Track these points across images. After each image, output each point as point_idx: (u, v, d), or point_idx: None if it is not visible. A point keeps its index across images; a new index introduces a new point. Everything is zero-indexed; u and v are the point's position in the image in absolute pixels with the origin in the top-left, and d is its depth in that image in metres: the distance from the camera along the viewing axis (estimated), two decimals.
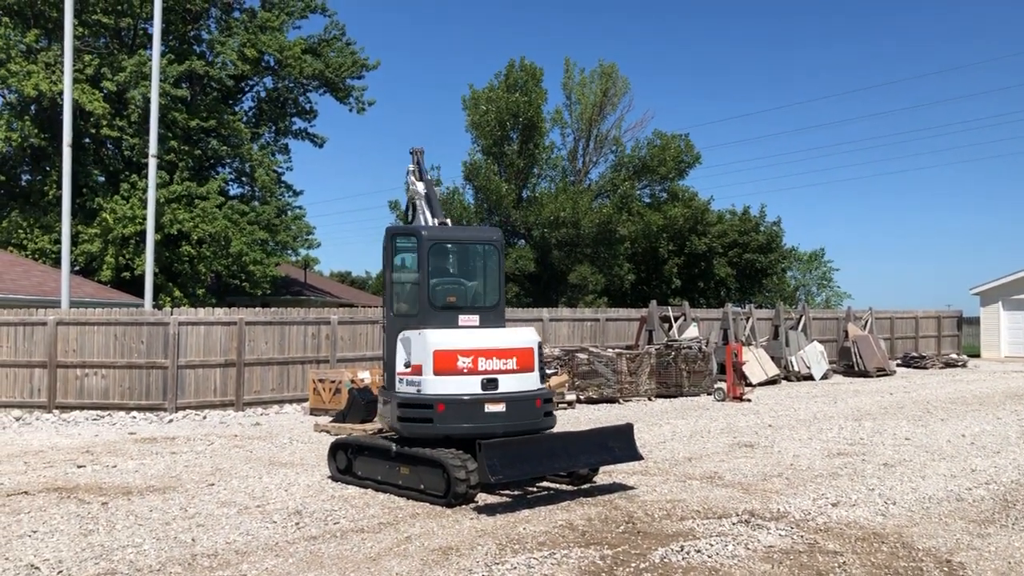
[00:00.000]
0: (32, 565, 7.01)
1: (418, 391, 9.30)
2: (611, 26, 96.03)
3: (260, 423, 16.57)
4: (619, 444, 9.96)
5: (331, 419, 15.73)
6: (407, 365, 9.48)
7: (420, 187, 10.94)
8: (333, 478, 10.50)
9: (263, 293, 31.83)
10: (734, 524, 8.18)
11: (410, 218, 11.16)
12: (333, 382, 17.34)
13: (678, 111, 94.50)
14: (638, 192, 41.52)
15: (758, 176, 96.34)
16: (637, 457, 10.04)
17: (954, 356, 34.05)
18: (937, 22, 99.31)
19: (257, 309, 19.76)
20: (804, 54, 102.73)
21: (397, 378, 9.57)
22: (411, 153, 11.27)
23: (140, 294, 22.90)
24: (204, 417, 17.41)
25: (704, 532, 7.89)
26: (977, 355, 36.91)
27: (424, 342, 9.28)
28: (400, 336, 9.68)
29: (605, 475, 10.39)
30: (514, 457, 8.94)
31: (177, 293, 28.41)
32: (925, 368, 31.01)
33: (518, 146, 38.73)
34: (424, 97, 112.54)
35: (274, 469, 11.40)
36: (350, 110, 35.98)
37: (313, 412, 17.45)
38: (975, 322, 38.64)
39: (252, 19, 31.96)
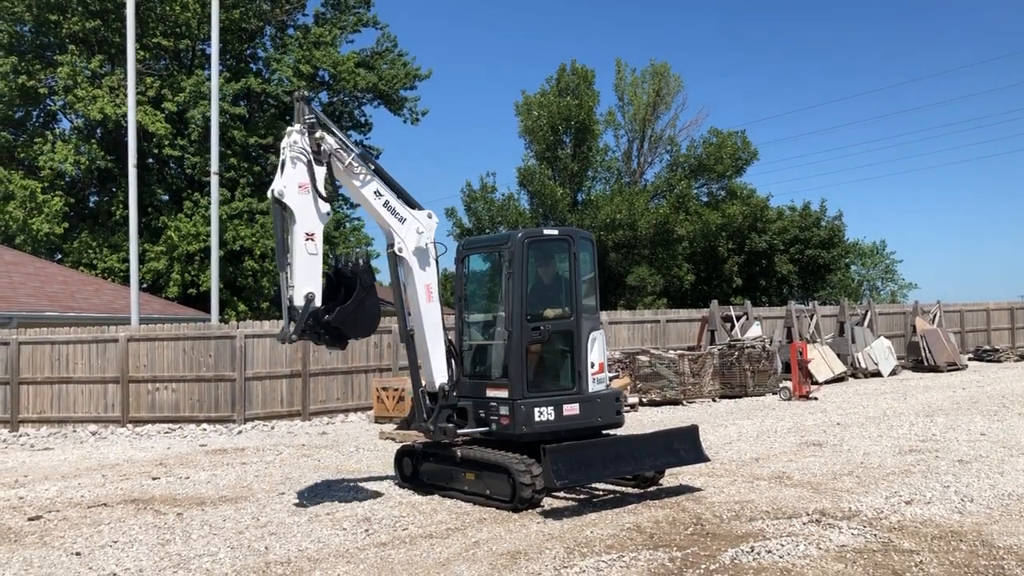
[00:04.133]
0: (114, 574, 7.22)
1: (607, 387, 9.99)
2: (662, 24, 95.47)
3: (326, 432, 16.81)
4: (684, 446, 9.88)
5: (396, 426, 15.85)
6: (593, 364, 9.77)
7: (332, 142, 9.71)
8: (399, 484, 10.60)
9: None
10: (804, 524, 8.05)
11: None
12: (396, 390, 17.50)
13: (733, 108, 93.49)
14: (695, 191, 41.14)
15: (818, 171, 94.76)
16: (703, 459, 9.95)
17: None
18: (1005, 3, 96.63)
19: None
20: (859, 44, 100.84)
21: (591, 378, 9.69)
22: (300, 101, 9.85)
23: (206, 309, 23.45)
24: (272, 428, 17.73)
25: (774, 532, 7.78)
26: None
27: (604, 342, 10.02)
28: (589, 337, 9.76)
29: (671, 477, 10.31)
30: (579, 461, 8.93)
31: (242, 307, 29.05)
32: (999, 361, 30.10)
33: (571, 150, 38.69)
34: (476, 105, 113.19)
35: (342, 476, 11.54)
36: (404, 121, 36.50)
37: (378, 420, 17.64)
38: None
39: (306, 35, 32.56)
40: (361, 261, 9.75)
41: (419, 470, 10.41)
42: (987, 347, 31.86)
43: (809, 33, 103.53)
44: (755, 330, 24.17)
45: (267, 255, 29.08)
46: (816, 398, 19.66)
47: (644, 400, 19.39)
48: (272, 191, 9.21)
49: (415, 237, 9.98)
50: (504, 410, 9.46)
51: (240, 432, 17.22)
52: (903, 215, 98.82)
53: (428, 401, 9.93)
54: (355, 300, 9.45)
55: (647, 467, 9.67)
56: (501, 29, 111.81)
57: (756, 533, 7.80)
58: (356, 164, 9.81)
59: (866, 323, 27.29)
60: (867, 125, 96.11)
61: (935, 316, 30.21)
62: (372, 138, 46.88)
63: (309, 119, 9.53)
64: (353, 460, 13.13)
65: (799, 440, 13.49)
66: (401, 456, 10.71)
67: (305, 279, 9.15)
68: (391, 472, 11.04)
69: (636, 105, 40.94)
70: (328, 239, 32.19)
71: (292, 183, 9.26)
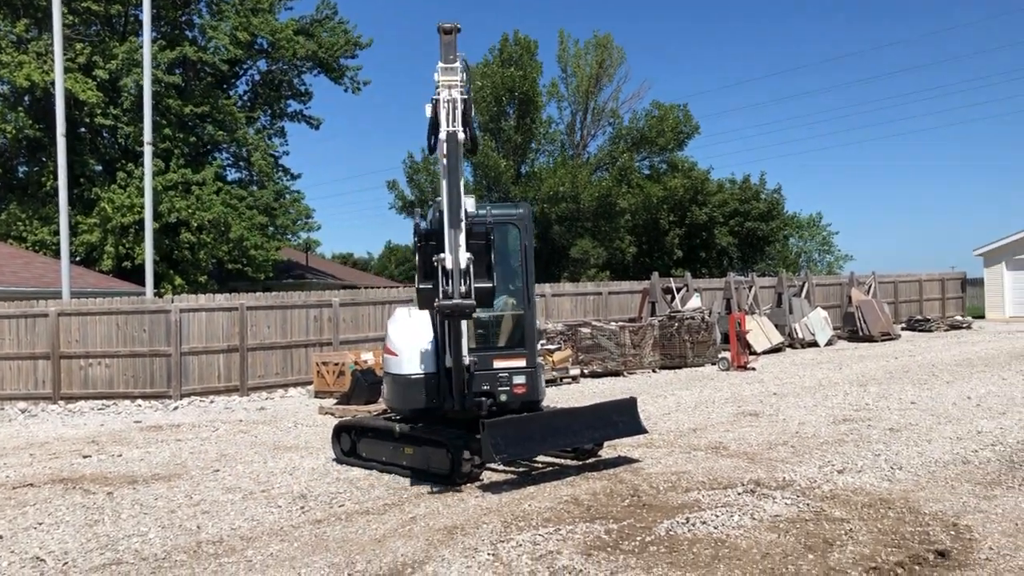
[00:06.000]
0: (37, 558, 7.01)
1: None
2: None
3: (265, 408, 16.58)
4: (623, 418, 9.94)
5: (336, 402, 15.73)
6: None
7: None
8: (338, 460, 10.49)
9: (266, 277, 31.80)
10: (740, 494, 8.15)
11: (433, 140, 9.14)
12: (336, 364, 17.32)
13: (675, 81, 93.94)
14: (637, 164, 41.31)
15: (757, 144, 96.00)
16: (641, 430, 10.02)
17: (959, 318, 33.97)
18: None
19: (258, 294, 19.73)
20: (800, 19, 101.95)
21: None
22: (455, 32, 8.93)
23: (142, 283, 22.87)
24: (210, 403, 17.43)
25: (710, 503, 7.87)
26: (981, 316, 36.81)
27: None
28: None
29: (610, 449, 10.38)
30: (517, 435, 8.91)
31: (179, 280, 28.39)
32: (930, 331, 30.93)
33: (515, 121, 38.51)
34: (418, 74, 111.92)
35: (279, 453, 11.40)
36: (345, 90, 35.87)
37: (317, 395, 17.45)
38: (979, 283, 38.49)
39: (243, 2, 31.67)
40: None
41: (358, 446, 10.30)
42: (919, 317, 32.72)
43: (750, 7, 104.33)
44: (695, 302, 24.43)
45: (204, 227, 28.44)
46: (754, 368, 19.97)
47: (586, 371, 19.49)
48: (453, 136, 8.36)
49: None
50: (520, 379, 9.36)
51: (176, 408, 16.89)
52: (839, 188, 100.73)
53: (447, 377, 9.29)
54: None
55: (586, 440, 9.71)
56: None
57: (692, 504, 7.88)
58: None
59: (803, 294, 27.76)
60: (805, 98, 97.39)
61: (870, 287, 30.87)
62: (312, 107, 46.03)
63: (461, 53, 8.86)
64: (291, 436, 12.96)
65: (736, 410, 13.68)
66: (339, 431, 10.60)
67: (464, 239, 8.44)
68: (330, 448, 10.92)
69: (579, 77, 40.86)
70: (267, 211, 31.73)
71: (459, 125, 8.51)
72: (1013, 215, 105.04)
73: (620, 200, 37.77)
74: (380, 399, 12.88)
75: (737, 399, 15.04)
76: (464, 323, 8.94)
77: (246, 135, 31.73)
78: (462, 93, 8.52)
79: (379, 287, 34.26)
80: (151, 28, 23.07)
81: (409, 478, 9.34)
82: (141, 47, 23.87)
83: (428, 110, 8.89)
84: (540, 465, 9.88)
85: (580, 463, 9.85)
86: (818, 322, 26.84)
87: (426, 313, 10.01)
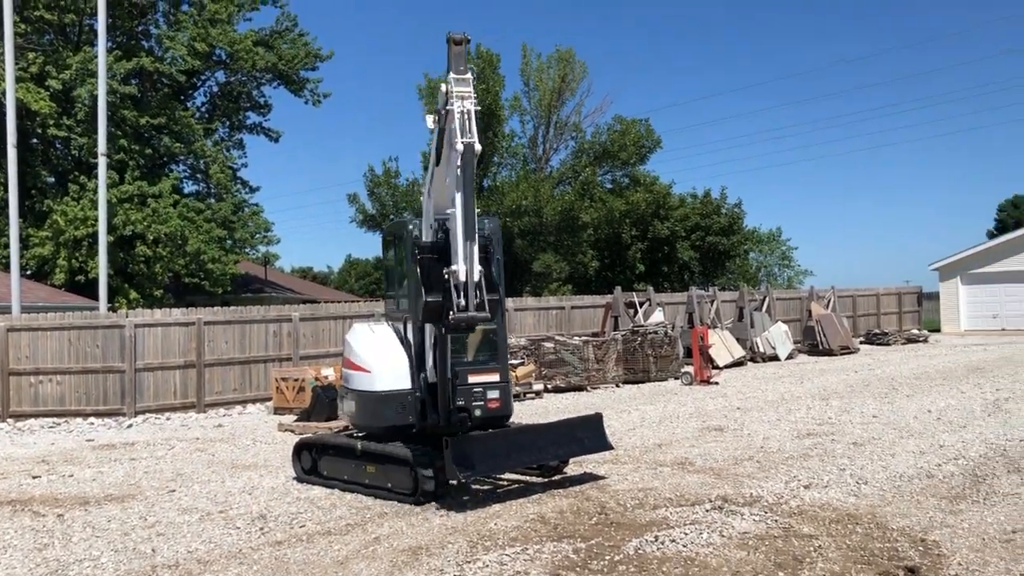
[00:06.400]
0: None
1: None
2: (569, 11, 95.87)
3: (222, 425, 16.23)
4: (588, 434, 9.83)
5: (295, 418, 15.44)
6: None
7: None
8: (298, 479, 10.24)
9: (224, 291, 31.27)
10: (707, 511, 8.07)
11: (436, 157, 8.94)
12: (296, 380, 17.03)
13: (637, 96, 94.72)
14: (600, 178, 41.38)
15: (717, 159, 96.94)
16: (607, 447, 9.92)
17: (915, 332, 34.47)
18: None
19: (216, 308, 19.36)
20: (760, 36, 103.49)
21: None
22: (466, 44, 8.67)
23: (95, 297, 22.33)
24: (166, 420, 17.02)
25: (678, 520, 7.77)
26: (937, 330, 37.39)
27: None
28: None
29: (576, 465, 10.25)
30: (482, 452, 8.75)
31: (133, 295, 27.82)
32: (888, 344, 31.32)
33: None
34: (381, 87, 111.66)
35: (237, 472, 11.11)
36: (305, 103, 35.51)
37: (277, 411, 17.13)
38: (935, 297, 39.12)
39: (201, 12, 31.25)
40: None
41: (319, 464, 10.07)
42: (877, 331, 33.13)
43: (711, 24, 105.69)
44: (657, 316, 24.48)
45: (160, 240, 27.92)
46: (717, 383, 20.00)
47: (549, 386, 19.37)
48: (470, 147, 8.14)
49: None
50: (494, 394, 9.23)
51: (130, 426, 16.46)
52: (798, 203, 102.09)
53: (430, 392, 9.14)
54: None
55: (551, 456, 9.58)
56: (404, 8, 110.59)
57: (660, 522, 7.78)
58: None
59: (764, 308, 27.96)
60: (766, 114, 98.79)
61: (829, 301, 31.20)
62: (272, 119, 45.45)
63: (471, 66, 8.71)
64: (250, 454, 12.66)
65: (701, 425, 13.65)
66: (300, 449, 10.36)
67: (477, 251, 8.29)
68: (290, 466, 10.66)
69: (542, 91, 40.89)
70: (226, 224, 31.25)
71: (476, 136, 8.26)
72: (971, 229, 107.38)
73: (583, 214, 37.79)
74: (341, 416, 12.63)
75: (701, 414, 15.02)
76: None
77: (204, 147, 31.24)
78: (474, 104, 8.40)
79: (340, 301, 33.85)
80: (106, 38, 22.66)
81: (372, 497, 9.13)
82: (96, 57, 23.40)
83: (430, 121, 8.77)
84: (505, 482, 9.73)
85: (545, 480, 9.71)
86: (779, 336, 27.03)
87: (388, 327, 9.86)
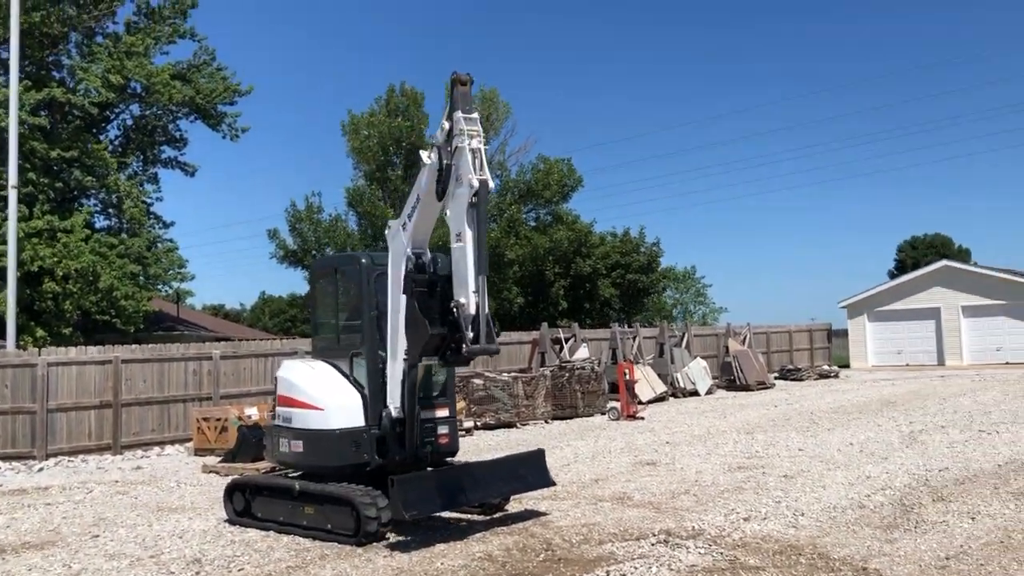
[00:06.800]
0: None
1: None
2: (493, 52, 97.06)
3: (142, 466, 15.61)
4: (531, 471, 9.78)
5: (220, 459, 14.97)
6: None
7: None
8: (231, 521, 9.90)
9: (136, 329, 30.21)
10: (653, 545, 8.11)
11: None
12: (219, 420, 16.52)
13: (559, 136, 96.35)
14: (524, 216, 41.75)
15: (636, 199, 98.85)
16: (550, 483, 9.88)
17: (826, 367, 35.54)
18: (826, 33, 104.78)
19: (133, 346, 18.71)
20: (673, 77, 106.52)
21: None
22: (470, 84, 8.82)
23: (2, 335, 21.33)
24: (80, 463, 16.28)
25: (625, 555, 7.78)
26: (847, 365, 38.66)
27: None
28: None
29: (516, 502, 10.19)
30: (427, 491, 8.63)
31: (40, 332, 26.58)
32: (801, 380, 32.20)
33: (402, 171, 38.34)
34: (302, 122, 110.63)
35: (164, 515, 10.68)
36: (223, 137, 34.82)
37: (198, 452, 16.57)
38: (843, 334, 40.49)
39: (116, 44, 30.49)
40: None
41: (252, 505, 9.77)
42: (791, 367, 34.04)
43: (630, 70, 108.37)
44: (583, 352, 24.66)
45: (70, 276, 26.87)
46: (643, 418, 20.21)
47: (479, 423, 19.28)
48: (483, 183, 8.21)
49: None
50: (444, 429, 9.27)
51: (42, 469, 15.69)
52: (711, 242, 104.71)
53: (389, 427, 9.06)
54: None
55: (496, 494, 9.51)
56: (326, 47, 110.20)
57: (607, 557, 7.78)
58: None
59: (684, 344, 28.47)
60: (681, 156, 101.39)
61: (745, 338, 31.96)
62: (188, 154, 44.36)
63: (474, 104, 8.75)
64: (175, 496, 12.20)
65: (633, 460, 13.74)
66: (232, 490, 10.02)
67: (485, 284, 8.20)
68: (220, 508, 10.30)
69: None
70: (140, 260, 30.30)
71: (487, 172, 8.33)
72: (872, 270, 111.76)
73: (508, 251, 37.99)
74: (267, 456, 12.26)
75: (632, 448, 15.13)
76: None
77: (117, 181, 30.24)
78: (481, 142, 8.46)
79: (256, 339, 33.11)
80: (17, 68, 21.91)
81: (311, 539, 8.88)
82: (4, 87, 22.60)
83: (425, 157, 8.75)
84: (448, 520, 9.59)
85: (488, 518, 9.62)
86: (699, 372, 27.54)
87: (327, 364, 9.69)
